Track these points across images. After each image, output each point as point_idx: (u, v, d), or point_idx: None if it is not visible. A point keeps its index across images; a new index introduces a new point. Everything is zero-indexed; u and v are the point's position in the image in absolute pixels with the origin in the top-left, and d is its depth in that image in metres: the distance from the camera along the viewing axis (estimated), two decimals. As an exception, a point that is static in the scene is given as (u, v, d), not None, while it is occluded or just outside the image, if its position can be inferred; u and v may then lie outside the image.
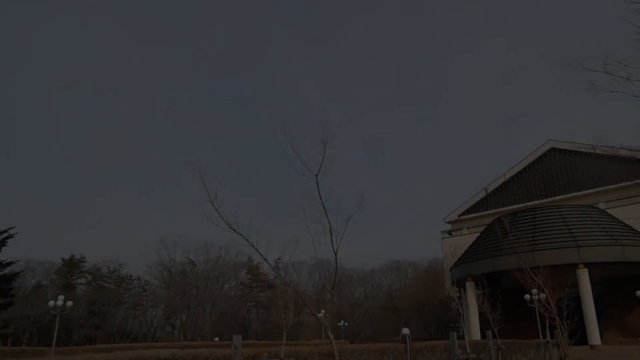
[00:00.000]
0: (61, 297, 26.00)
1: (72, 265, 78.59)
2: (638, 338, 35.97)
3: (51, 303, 26.01)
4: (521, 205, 49.04)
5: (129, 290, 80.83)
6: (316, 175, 9.27)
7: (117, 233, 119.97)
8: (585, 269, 34.44)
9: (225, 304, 67.12)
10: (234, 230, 8.87)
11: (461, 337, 51.90)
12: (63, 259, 77.70)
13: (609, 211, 40.31)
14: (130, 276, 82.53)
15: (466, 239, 51.13)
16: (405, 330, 18.30)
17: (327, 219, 9.39)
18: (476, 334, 38.33)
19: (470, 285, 39.41)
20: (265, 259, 9.27)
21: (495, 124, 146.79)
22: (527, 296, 29.26)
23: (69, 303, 26.43)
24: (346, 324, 46.68)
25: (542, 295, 30.35)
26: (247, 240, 8.88)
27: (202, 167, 8.84)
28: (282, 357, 11.09)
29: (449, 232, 55.70)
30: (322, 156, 9.16)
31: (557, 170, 48.93)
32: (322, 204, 9.39)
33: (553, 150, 49.96)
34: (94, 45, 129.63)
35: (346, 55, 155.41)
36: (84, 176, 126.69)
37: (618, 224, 37.98)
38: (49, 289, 74.74)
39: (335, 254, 9.87)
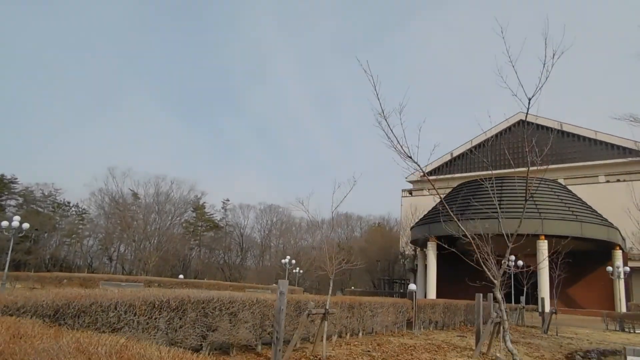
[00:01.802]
0: (17, 218, 23.15)
1: (1, 185, 72.85)
2: (582, 309, 38.10)
3: (4, 224, 23.11)
4: (484, 172, 49.70)
5: (66, 217, 76.49)
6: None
7: (58, 156, 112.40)
8: (545, 241, 35.45)
9: (169, 240, 64.79)
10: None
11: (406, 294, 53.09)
12: (-10, 177, 71.74)
13: (569, 188, 41.59)
14: (68, 202, 78.03)
15: (426, 200, 51.50)
16: (412, 287, 17.61)
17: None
18: (433, 292, 39.03)
19: (432, 245, 39.77)
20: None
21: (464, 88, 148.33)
22: (505, 261, 29.47)
23: (25, 225, 23.61)
24: (301, 271, 46.38)
25: (520, 262, 31.03)
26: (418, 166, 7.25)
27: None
28: (328, 307, 9.77)
29: (410, 192, 55.93)
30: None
31: (523, 143, 49.47)
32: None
33: (522, 122, 50.54)
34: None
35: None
36: (29, 89, 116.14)
37: (577, 200, 39.20)
38: (-28, 207, 69.13)
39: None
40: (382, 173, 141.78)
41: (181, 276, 40.56)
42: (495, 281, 21.59)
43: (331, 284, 10.61)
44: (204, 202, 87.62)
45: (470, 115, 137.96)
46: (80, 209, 78.46)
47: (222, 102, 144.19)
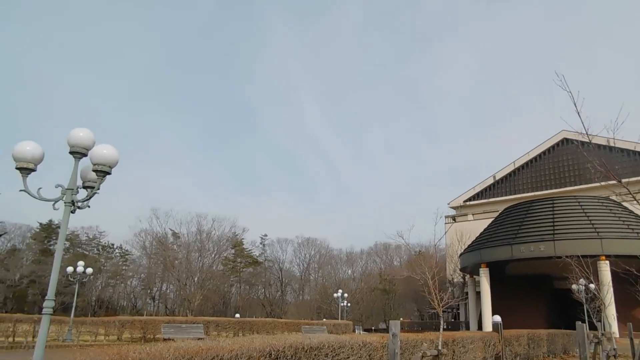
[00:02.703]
0: (81, 264, 23.73)
1: (49, 230, 75.18)
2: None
3: (69, 269, 23.75)
4: (529, 194, 48.46)
5: (110, 259, 78.11)
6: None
7: (101, 201, 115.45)
8: (607, 261, 33.91)
9: (210, 278, 65.11)
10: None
11: (457, 324, 51.00)
12: (40, 223, 74.25)
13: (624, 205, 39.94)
14: (112, 244, 79.80)
15: (471, 225, 50.40)
16: (497, 318, 16.96)
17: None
18: (489, 321, 37.58)
19: (484, 272, 38.55)
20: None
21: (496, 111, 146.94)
22: (575, 286, 28.23)
23: (89, 270, 24.17)
24: (348, 304, 45.63)
25: (592, 286, 29.64)
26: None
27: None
28: (440, 346, 9.40)
29: (453, 218, 54.91)
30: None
31: (569, 161, 48.46)
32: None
33: (566, 140, 49.41)
34: None
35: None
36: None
37: (635, 217, 37.56)
38: (24, 253, 71.43)
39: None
40: (417, 199, 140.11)
41: (237, 315, 40.45)
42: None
43: (442, 320, 10.21)
44: (242, 238, 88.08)
45: (508, 136, 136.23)
46: (123, 250, 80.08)
47: (248, 135, 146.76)
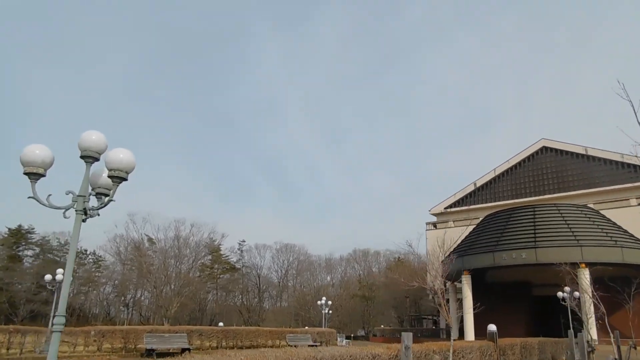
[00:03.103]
0: (60, 271, 22.70)
1: (18, 236, 72.57)
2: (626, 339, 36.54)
3: (48, 277, 22.70)
4: (510, 201, 49.07)
5: (83, 265, 75.72)
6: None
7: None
8: (587, 269, 34.42)
9: (187, 284, 63.79)
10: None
11: (438, 331, 50.89)
12: (9, 229, 71.53)
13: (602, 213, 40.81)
14: (85, 250, 77.45)
15: (453, 232, 50.63)
16: (492, 327, 16.84)
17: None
18: (470, 328, 37.70)
19: (466, 279, 38.71)
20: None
21: (477, 119, 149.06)
22: (560, 294, 28.48)
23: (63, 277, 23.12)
24: (330, 311, 45.23)
25: (576, 293, 29.92)
26: None
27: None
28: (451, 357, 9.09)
29: (434, 225, 55.13)
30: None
31: (548, 169, 49.32)
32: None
33: (545, 149, 50.27)
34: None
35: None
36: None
37: (614, 225, 38.35)
38: (-9, 259, 68.59)
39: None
40: (395, 206, 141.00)
41: (221, 324, 39.54)
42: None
43: (455, 327, 9.87)
44: (220, 244, 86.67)
45: (489, 144, 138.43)
46: (97, 256, 77.87)
47: (229, 141, 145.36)
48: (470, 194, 54.20)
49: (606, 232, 36.74)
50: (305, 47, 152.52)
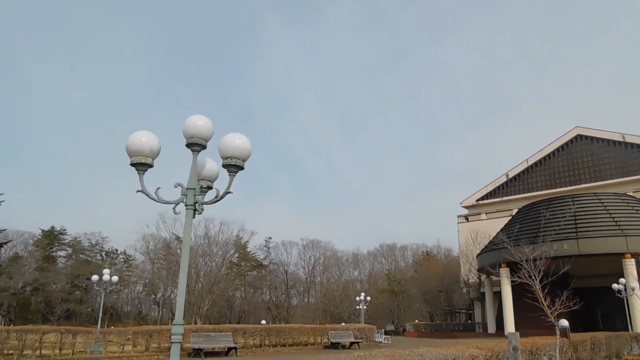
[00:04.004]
0: (106, 271, 22.86)
1: (52, 237, 73.99)
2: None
3: (95, 277, 22.92)
4: (544, 192, 47.93)
5: (114, 265, 76.88)
6: None
7: (107, 205, 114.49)
8: (632, 259, 33.38)
9: (218, 282, 64.19)
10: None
11: (473, 325, 50.18)
12: (42, 230, 73.01)
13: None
14: (116, 250, 78.69)
15: (485, 225, 49.77)
16: (564, 323, 16.27)
17: None
18: (511, 323, 36.96)
19: (505, 272, 37.86)
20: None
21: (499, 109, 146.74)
22: (615, 285, 27.62)
23: (115, 278, 23.31)
24: (365, 307, 44.85)
25: (635, 284, 28.97)
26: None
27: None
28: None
29: (466, 217, 54.27)
30: None
31: (583, 158, 48.03)
32: None
33: (579, 137, 48.92)
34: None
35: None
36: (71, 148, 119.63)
37: (657, 213, 37.07)
38: (27, 260, 70.08)
39: None
40: (416, 199, 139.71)
41: (263, 321, 39.57)
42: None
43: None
44: (247, 242, 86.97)
45: (519, 133, 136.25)
46: (127, 256, 79.03)
47: (248, 136, 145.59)
48: (502, 185, 53.12)
49: (651, 221, 35.56)
50: (317, 39, 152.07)
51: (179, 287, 5.09)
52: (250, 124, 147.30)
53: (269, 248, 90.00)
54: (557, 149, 50.05)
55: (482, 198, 53.74)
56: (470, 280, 48.67)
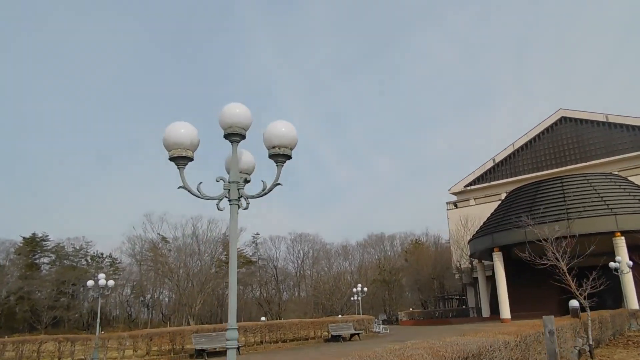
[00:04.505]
0: (102, 276, 22.15)
1: (34, 244, 72.26)
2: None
3: (90, 283, 22.22)
4: (531, 175, 48.42)
5: (101, 269, 75.45)
6: None
7: (90, 209, 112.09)
8: (622, 237, 33.88)
9: (209, 281, 63.55)
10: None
11: (467, 310, 50.55)
12: (24, 238, 71.17)
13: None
14: (102, 254, 77.25)
15: (475, 210, 50.10)
16: (575, 303, 16.26)
17: None
18: (506, 306, 37.26)
19: (498, 256, 38.17)
20: None
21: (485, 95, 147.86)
22: (612, 264, 27.92)
23: (111, 283, 22.63)
24: (359, 298, 44.71)
25: (630, 262, 29.36)
26: None
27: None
28: (590, 340, 8.43)
29: (455, 204, 54.57)
30: None
31: (568, 140, 48.61)
32: None
33: (564, 119, 49.47)
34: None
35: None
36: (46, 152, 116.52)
37: (643, 191, 37.70)
38: (9, 269, 68.29)
39: None
40: (402, 189, 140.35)
41: (263, 318, 39.11)
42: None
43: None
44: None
45: (503, 118, 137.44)
46: (113, 259, 77.68)
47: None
48: (489, 170, 53.49)
49: (638, 199, 36.14)
50: (297, 32, 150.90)
51: (230, 288, 4.70)
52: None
53: (257, 244, 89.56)
54: (543, 132, 50.57)
55: (470, 184, 54.07)
56: (462, 266, 49.02)
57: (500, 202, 44.89)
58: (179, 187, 4.69)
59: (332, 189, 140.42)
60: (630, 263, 29.45)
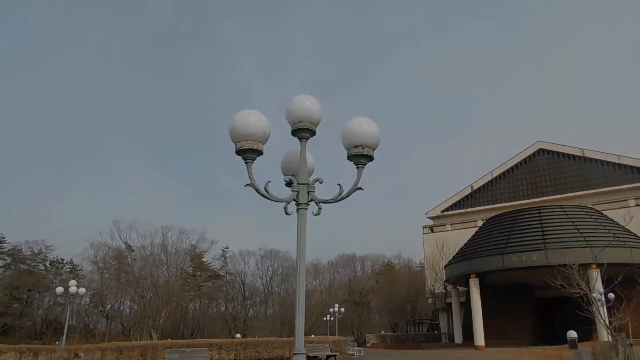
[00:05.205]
0: (73, 283, 20.66)
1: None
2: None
3: (59, 289, 20.68)
4: (508, 204, 49.01)
5: (59, 275, 71.98)
6: None
7: (57, 214, 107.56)
8: (597, 269, 34.31)
9: (176, 293, 61.38)
10: None
11: (438, 335, 50.27)
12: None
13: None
14: (62, 259, 73.66)
15: (451, 235, 50.22)
16: (573, 334, 15.97)
17: None
18: (480, 333, 37.04)
19: (474, 282, 38.09)
20: None
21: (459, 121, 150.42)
22: (595, 295, 27.90)
23: (82, 290, 21.13)
24: (332, 318, 43.64)
25: (611, 295, 29.49)
26: None
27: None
28: None
29: (431, 228, 54.67)
30: None
31: (545, 171, 49.67)
32: None
33: (541, 151, 50.59)
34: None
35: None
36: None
37: (617, 225, 38.50)
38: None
39: None
40: (376, 211, 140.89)
41: (238, 335, 37.64)
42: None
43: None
44: (202, 251, 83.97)
45: (485, 147, 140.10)
46: (73, 265, 74.21)
47: (205, 146, 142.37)
48: (467, 196, 54.01)
49: (613, 233, 36.82)
50: (278, 50, 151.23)
51: (297, 307, 4.00)
52: (203, 133, 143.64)
53: (225, 258, 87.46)
54: (521, 162, 51.54)
55: (448, 209, 54.39)
56: (436, 291, 48.85)
57: (476, 228, 45.13)
58: (246, 185, 4.02)
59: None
60: (611, 296, 29.67)
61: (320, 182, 4.30)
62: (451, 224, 53.45)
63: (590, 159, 47.05)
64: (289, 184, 4.47)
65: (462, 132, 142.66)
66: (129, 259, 69.35)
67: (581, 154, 47.68)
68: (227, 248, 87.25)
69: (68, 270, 73.01)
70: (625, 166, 45.17)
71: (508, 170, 52.05)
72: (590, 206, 42.26)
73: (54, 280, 70.18)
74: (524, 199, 49.33)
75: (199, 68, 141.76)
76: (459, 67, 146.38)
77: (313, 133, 4.29)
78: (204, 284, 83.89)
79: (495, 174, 52.77)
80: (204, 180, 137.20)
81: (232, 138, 4.04)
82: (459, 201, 54.29)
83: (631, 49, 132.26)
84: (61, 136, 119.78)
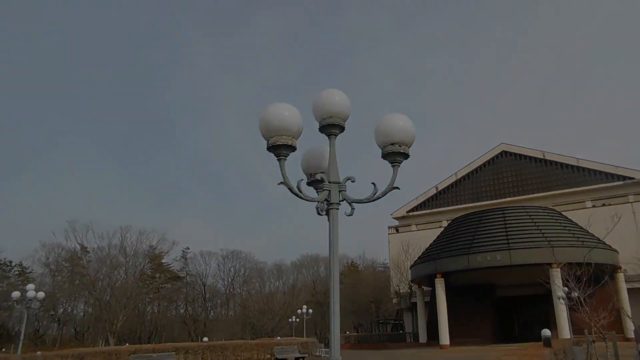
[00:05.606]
0: (31, 287, 19.24)
1: None
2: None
3: (15, 294, 19.20)
4: (472, 204, 49.92)
5: (7, 278, 68.10)
6: None
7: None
8: (558, 269, 35.31)
9: (134, 296, 59.26)
10: None
11: (403, 335, 50.55)
12: None
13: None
14: (10, 262, 69.68)
15: (417, 235, 50.72)
16: (547, 332, 16.05)
17: None
18: (445, 332, 37.47)
19: (440, 282, 38.49)
20: None
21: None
22: (560, 293, 28.55)
23: (41, 294, 19.70)
24: (297, 320, 43.06)
25: (575, 294, 30.15)
26: None
27: None
28: None
29: (396, 229, 55.05)
30: None
31: (508, 173, 50.97)
32: None
33: (505, 153, 51.87)
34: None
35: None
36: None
37: (576, 225, 39.83)
38: None
39: None
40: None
41: (205, 339, 36.44)
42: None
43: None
44: (161, 252, 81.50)
45: (449, 147, 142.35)
46: (22, 268, 70.40)
47: (161, 146, 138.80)
48: (432, 197, 54.72)
49: (573, 233, 38.03)
50: (239, 52, 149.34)
51: (331, 313, 3.53)
52: (166, 133, 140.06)
53: (186, 259, 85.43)
54: (484, 164, 52.67)
55: (413, 210, 54.93)
56: (401, 291, 49.17)
57: (442, 228, 45.70)
58: (279, 183, 3.53)
59: (267, 207, 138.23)
60: (566, 292, 30.58)
61: (353, 181, 3.84)
62: (416, 225, 54.02)
63: (551, 162, 48.59)
64: (311, 182, 4.05)
65: (426, 133, 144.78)
66: (84, 261, 66.52)
67: (542, 157, 49.19)
68: (188, 249, 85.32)
69: (17, 273, 69.26)
70: (584, 169, 46.91)
71: (472, 172, 53.10)
72: (551, 207, 43.55)
73: (1, 284, 66.48)
74: (487, 200, 50.40)
75: (157, 67, 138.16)
76: (421, 68, 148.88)
77: (342, 129, 3.84)
78: (163, 285, 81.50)
79: (459, 175, 53.72)
80: (163, 181, 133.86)
81: (263, 133, 3.58)
82: (424, 202, 54.93)
83: (585, 54, 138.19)
84: (7, 136, 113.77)
